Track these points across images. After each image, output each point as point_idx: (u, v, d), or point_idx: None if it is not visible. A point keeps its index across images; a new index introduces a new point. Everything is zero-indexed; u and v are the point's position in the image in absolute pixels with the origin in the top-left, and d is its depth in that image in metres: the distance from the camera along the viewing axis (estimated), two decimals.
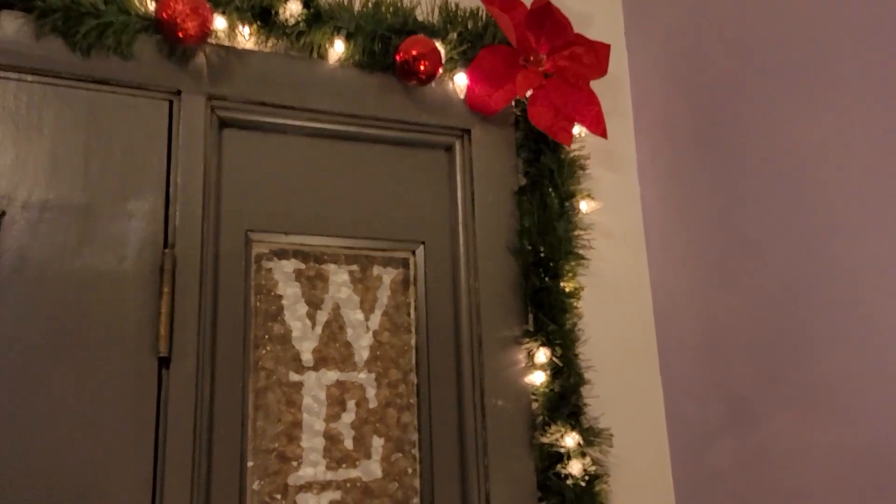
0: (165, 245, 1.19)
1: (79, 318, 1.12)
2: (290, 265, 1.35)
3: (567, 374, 1.35)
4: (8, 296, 1.09)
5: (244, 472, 1.21)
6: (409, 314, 1.40)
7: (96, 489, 1.08)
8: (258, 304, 1.30)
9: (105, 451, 1.09)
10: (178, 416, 1.13)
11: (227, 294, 1.24)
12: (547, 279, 1.39)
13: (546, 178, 1.44)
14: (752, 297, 1.31)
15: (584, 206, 1.47)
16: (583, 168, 1.48)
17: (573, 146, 1.46)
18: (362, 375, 1.34)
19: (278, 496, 1.24)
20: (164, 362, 1.15)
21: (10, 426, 1.06)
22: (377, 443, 1.32)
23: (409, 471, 1.32)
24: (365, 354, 1.36)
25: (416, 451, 1.34)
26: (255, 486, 1.23)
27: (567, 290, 1.40)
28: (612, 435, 1.35)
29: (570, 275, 1.41)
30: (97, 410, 1.10)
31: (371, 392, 1.34)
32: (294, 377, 1.30)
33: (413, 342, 1.39)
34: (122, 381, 1.11)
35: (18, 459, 1.05)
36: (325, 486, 1.27)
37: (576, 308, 1.40)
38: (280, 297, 1.33)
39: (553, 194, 1.43)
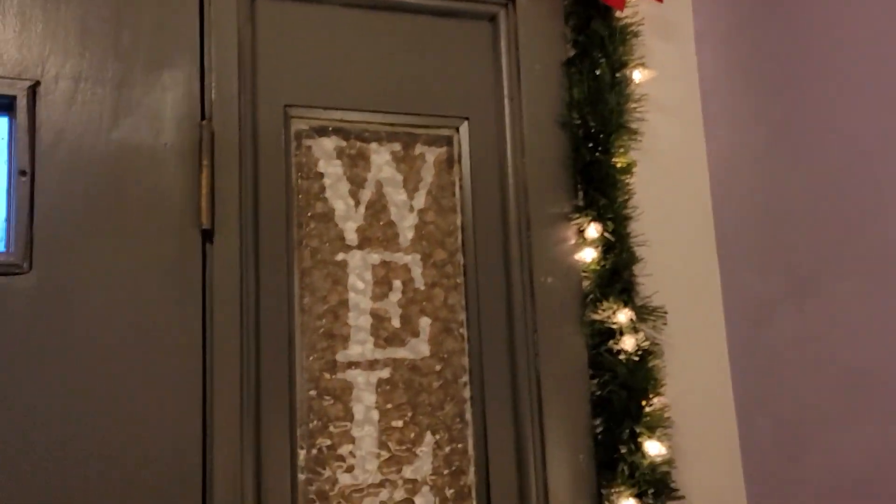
0: (202, 118, 1.17)
1: (118, 191, 1.11)
2: (330, 143, 1.31)
3: (619, 249, 1.30)
4: (47, 169, 1.08)
5: (293, 347, 1.21)
6: (454, 194, 1.36)
7: (144, 359, 1.09)
8: (300, 181, 1.27)
9: (152, 322, 1.10)
10: (223, 289, 1.13)
11: (267, 170, 1.22)
12: (597, 153, 1.33)
13: (596, 47, 1.35)
14: (816, 164, 1.23)
15: (637, 75, 1.38)
16: (636, 35, 1.39)
17: (626, 12, 1.37)
18: (407, 256, 1.32)
19: (327, 373, 1.24)
20: (207, 236, 1.14)
21: (54, 298, 1.07)
22: (424, 323, 1.31)
23: (458, 350, 1.31)
24: (410, 235, 1.33)
25: (463, 331, 1.32)
26: (305, 361, 1.23)
27: (619, 165, 1.34)
28: (665, 312, 1.31)
29: (622, 149, 1.35)
30: (142, 283, 1.10)
31: (417, 272, 1.32)
32: (339, 256, 1.28)
33: (459, 222, 1.35)
34: (165, 253, 1.11)
35: (63, 329, 1.07)
36: (373, 363, 1.27)
37: (628, 185, 1.34)
38: (321, 174, 1.30)
39: (604, 64, 1.35)
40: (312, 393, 1.23)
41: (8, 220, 1.07)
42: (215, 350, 1.11)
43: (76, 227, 1.08)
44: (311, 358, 1.24)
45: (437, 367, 1.30)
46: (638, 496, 1.22)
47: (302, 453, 1.21)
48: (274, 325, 1.18)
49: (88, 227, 1.08)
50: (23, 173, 1.06)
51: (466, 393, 1.30)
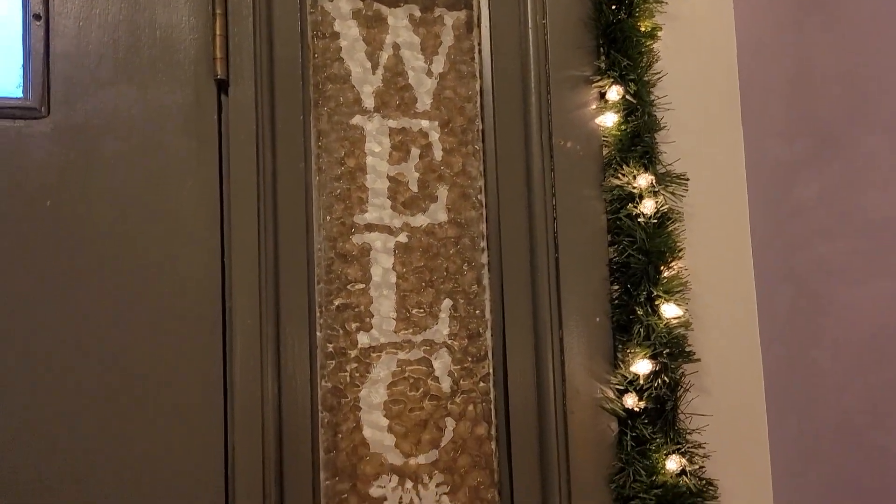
0: None
1: (134, 38, 1.10)
2: (346, 4, 1.28)
3: (641, 113, 1.27)
4: (61, 13, 1.08)
5: (310, 205, 1.22)
6: (473, 58, 1.33)
7: (161, 208, 1.11)
8: (315, 40, 1.25)
9: (168, 171, 1.11)
10: (239, 141, 1.13)
11: (282, 25, 1.20)
12: (621, 15, 1.29)
13: None
14: (844, 24, 1.18)
15: None
16: None
17: None
18: (425, 122, 1.31)
19: (345, 235, 1.25)
20: (222, 86, 1.13)
21: (71, 142, 1.08)
22: (442, 189, 1.30)
23: (475, 216, 1.31)
24: (428, 100, 1.31)
25: (481, 197, 1.31)
26: (322, 221, 1.24)
27: (643, 28, 1.30)
28: (687, 179, 1.29)
29: (647, 12, 1.30)
30: (158, 132, 1.11)
31: (435, 137, 1.31)
32: (355, 120, 1.27)
33: (478, 87, 1.33)
34: (181, 102, 1.12)
35: (80, 172, 1.08)
36: (391, 228, 1.27)
37: (652, 49, 1.30)
38: (337, 34, 1.27)
39: None
40: (330, 254, 1.24)
41: (24, 65, 1.07)
42: (233, 202, 1.12)
43: (91, 72, 1.08)
44: (328, 218, 1.24)
45: (455, 233, 1.30)
46: (653, 357, 1.23)
47: (320, 311, 1.23)
48: (291, 181, 1.19)
49: (104, 74, 1.08)
50: (37, 17, 1.06)
51: (484, 259, 1.30)
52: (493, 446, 1.27)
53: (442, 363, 1.27)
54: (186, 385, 1.12)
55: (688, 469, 1.22)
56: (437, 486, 1.25)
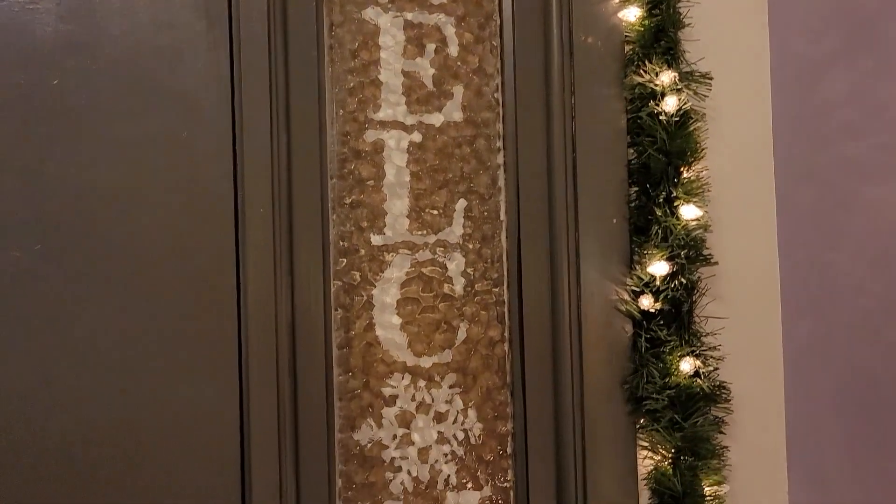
0: None
1: None
2: None
3: (665, 7, 1.22)
4: None
5: (322, 99, 1.18)
6: None
7: (172, 87, 1.08)
8: None
9: (178, 48, 1.08)
10: (250, 23, 1.10)
11: None
12: None
13: None
14: None
15: None
16: None
17: None
18: (441, 16, 1.26)
19: (358, 131, 1.22)
20: None
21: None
22: (458, 87, 1.26)
23: (492, 116, 1.27)
24: None
25: (498, 96, 1.28)
26: (335, 115, 1.20)
27: None
28: (711, 78, 1.25)
29: None
30: (167, 9, 1.07)
31: (451, 32, 1.26)
32: (369, 12, 1.23)
33: None
34: None
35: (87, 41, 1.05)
36: (405, 126, 1.24)
37: None
38: None
39: None
40: (344, 150, 1.21)
41: None
42: (244, 86, 1.09)
43: None
44: (341, 112, 1.21)
45: (470, 133, 1.26)
46: (670, 259, 1.22)
47: (332, 208, 1.21)
48: (303, 69, 1.15)
49: None
50: None
51: (499, 159, 1.28)
52: (506, 348, 1.27)
53: (456, 265, 1.26)
54: (197, 274, 1.11)
55: (701, 371, 1.22)
56: (450, 386, 1.25)
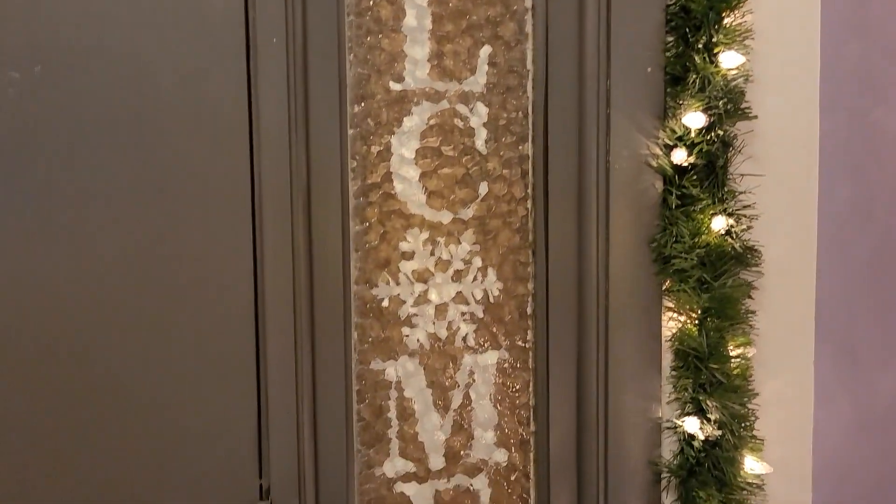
0: None
1: None
2: None
3: None
4: None
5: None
6: None
7: None
8: None
9: None
10: None
11: None
12: None
13: None
14: None
15: None
16: None
17: None
18: None
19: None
20: None
21: None
22: None
23: None
24: None
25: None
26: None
27: None
28: None
29: None
30: None
31: None
32: None
33: None
34: None
35: None
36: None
37: None
38: None
39: None
40: None
41: None
42: None
43: None
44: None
45: None
46: (706, 110, 1.14)
47: (350, 48, 1.13)
48: None
49: None
50: None
51: (527, 3, 1.18)
52: (529, 206, 1.21)
53: (478, 116, 1.19)
54: (209, 111, 1.05)
55: (733, 231, 1.17)
56: (471, 244, 1.20)
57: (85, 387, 1.04)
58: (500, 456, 1.24)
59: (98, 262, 1.03)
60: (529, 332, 1.23)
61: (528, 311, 1.23)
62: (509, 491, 1.24)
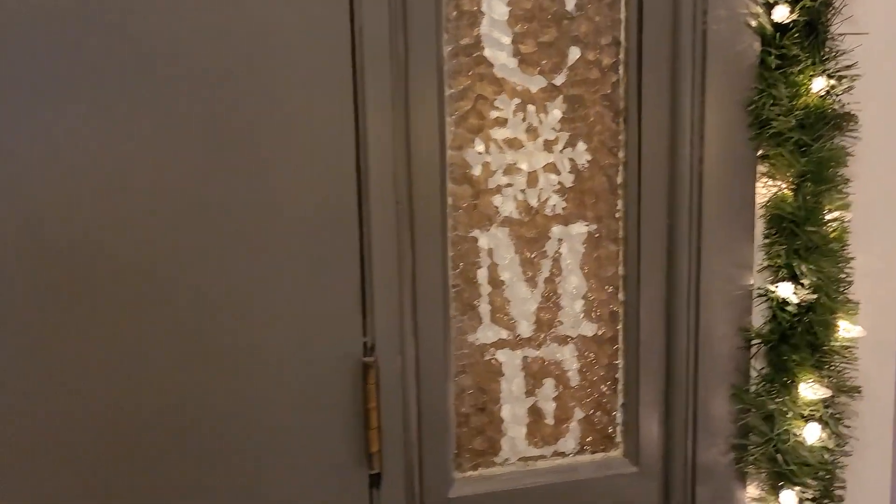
0: None
1: None
2: None
3: None
4: None
5: None
6: None
7: None
8: None
9: None
10: None
11: None
12: None
13: None
14: None
15: None
16: None
17: None
18: None
19: None
20: None
21: None
22: None
23: None
24: None
25: None
26: None
27: None
28: None
29: None
30: None
31: None
32: None
33: None
34: None
35: None
36: None
37: None
38: None
39: None
40: None
41: None
42: None
43: None
44: None
45: None
46: None
47: None
48: None
49: None
50: None
51: None
52: (621, 72, 1.19)
53: None
54: None
55: (834, 91, 1.14)
56: (562, 112, 1.18)
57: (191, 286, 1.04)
58: (589, 327, 1.25)
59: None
60: (620, 202, 1.22)
61: (619, 180, 1.22)
62: (597, 361, 1.25)
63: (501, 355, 1.22)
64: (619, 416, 1.27)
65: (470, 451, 1.22)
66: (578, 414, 1.26)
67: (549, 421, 1.25)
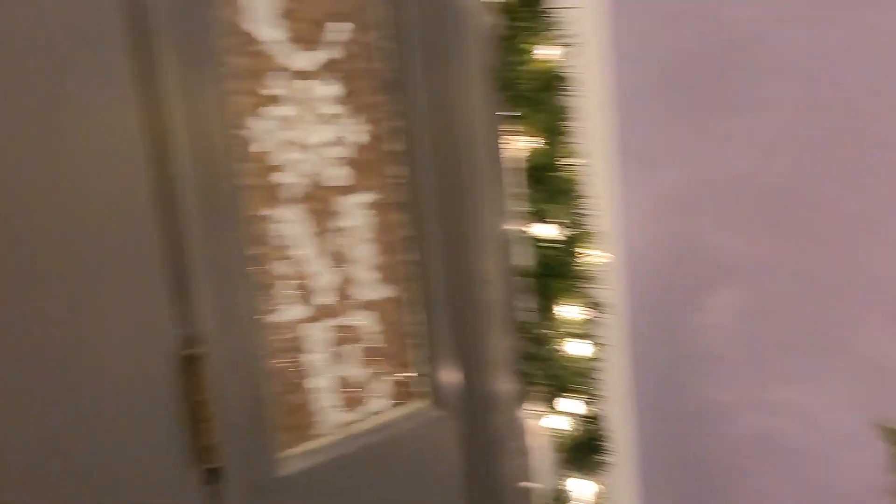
0: None
1: None
2: None
3: None
4: None
5: None
6: None
7: None
8: None
9: None
10: None
11: None
12: None
13: None
14: None
15: None
16: None
17: None
18: None
19: None
20: None
21: None
22: None
23: None
24: None
25: None
26: None
27: None
28: None
29: None
30: None
31: None
32: None
33: None
34: None
35: None
36: None
37: None
38: None
39: None
40: None
41: None
42: None
43: None
44: None
45: None
46: None
47: None
48: None
49: None
50: None
51: None
52: (388, 46, 1.27)
53: None
54: None
55: (558, 55, 1.35)
56: (336, 86, 1.23)
57: None
58: (384, 290, 1.32)
59: None
60: (398, 169, 1.31)
61: (396, 149, 1.30)
62: (396, 321, 1.33)
63: (306, 329, 1.23)
64: (421, 368, 1.37)
65: (291, 428, 1.22)
66: (385, 373, 1.33)
67: (360, 385, 1.30)
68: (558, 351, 1.41)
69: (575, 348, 1.40)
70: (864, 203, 1.23)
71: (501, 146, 1.36)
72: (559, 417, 1.42)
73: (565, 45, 1.36)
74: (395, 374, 1.33)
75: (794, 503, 1.38)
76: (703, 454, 1.52)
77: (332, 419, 1.27)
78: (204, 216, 1.07)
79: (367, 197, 1.28)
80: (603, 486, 1.41)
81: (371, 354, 1.31)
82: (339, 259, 1.26)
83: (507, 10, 1.31)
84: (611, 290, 1.51)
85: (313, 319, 1.24)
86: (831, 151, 1.25)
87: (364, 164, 1.27)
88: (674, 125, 1.45)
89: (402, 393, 1.35)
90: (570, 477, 1.44)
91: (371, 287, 1.30)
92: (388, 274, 1.32)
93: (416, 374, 1.35)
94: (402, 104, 1.28)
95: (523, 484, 1.44)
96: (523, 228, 1.39)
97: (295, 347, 1.22)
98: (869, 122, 1.20)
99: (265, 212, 1.17)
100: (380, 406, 1.33)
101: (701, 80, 1.39)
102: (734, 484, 1.47)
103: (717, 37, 1.35)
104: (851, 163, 1.23)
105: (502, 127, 1.35)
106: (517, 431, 1.43)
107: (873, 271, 1.24)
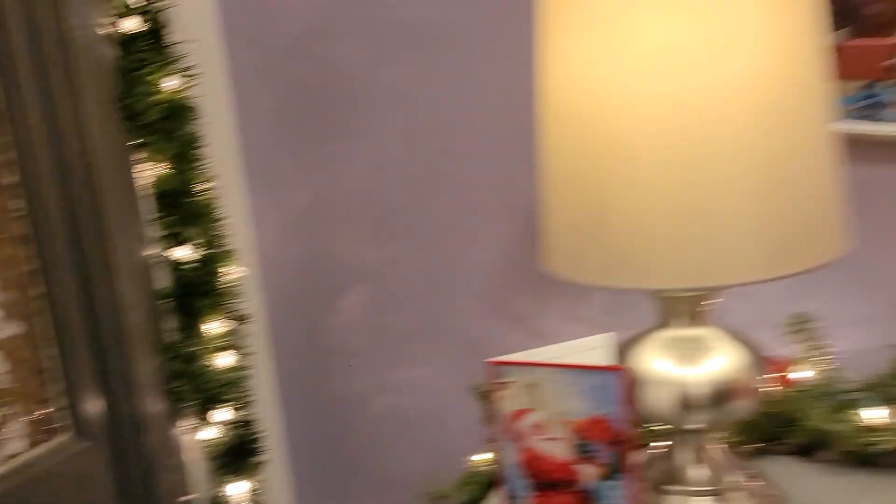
0: None
1: None
2: None
3: None
4: None
5: None
6: None
7: None
8: None
9: None
10: None
11: None
12: None
13: None
14: None
15: None
16: None
17: None
18: None
19: None
20: None
21: None
22: None
23: None
24: None
25: None
26: None
27: None
28: None
29: None
30: None
31: None
32: None
33: None
34: None
35: None
36: None
37: None
38: None
39: None
40: None
41: None
42: None
43: None
44: None
45: None
46: None
47: None
48: None
49: None
50: None
51: None
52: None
53: None
54: None
55: (183, 86, 1.42)
56: None
57: None
58: (11, 328, 1.26)
59: None
60: (15, 202, 1.26)
61: (11, 182, 1.25)
62: (29, 358, 1.28)
63: None
64: (59, 402, 1.33)
65: None
66: (19, 413, 1.27)
67: None
68: (207, 365, 1.48)
69: (222, 360, 1.48)
70: (449, 207, 1.52)
71: (134, 174, 1.38)
72: (212, 428, 1.49)
73: (188, 76, 1.43)
74: (32, 413, 1.29)
75: (422, 463, 1.64)
76: (345, 437, 1.72)
77: None
78: None
79: None
80: (258, 484, 1.52)
81: (4, 394, 1.25)
82: None
83: (130, 43, 1.34)
84: (251, 302, 1.62)
85: None
86: (426, 167, 1.52)
87: None
88: (296, 150, 1.61)
89: (43, 430, 1.31)
90: (229, 482, 1.53)
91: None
92: (15, 310, 1.26)
93: (53, 410, 1.32)
94: (14, 135, 1.24)
95: (182, 499, 1.49)
96: (162, 252, 1.43)
97: None
98: (450, 142, 1.49)
99: None
100: (16, 448, 1.27)
101: (316, 109, 1.57)
102: (373, 457, 1.70)
103: (328, 73, 1.54)
104: (442, 176, 1.51)
105: (133, 156, 1.38)
106: (172, 449, 1.47)
107: (463, 264, 1.54)
